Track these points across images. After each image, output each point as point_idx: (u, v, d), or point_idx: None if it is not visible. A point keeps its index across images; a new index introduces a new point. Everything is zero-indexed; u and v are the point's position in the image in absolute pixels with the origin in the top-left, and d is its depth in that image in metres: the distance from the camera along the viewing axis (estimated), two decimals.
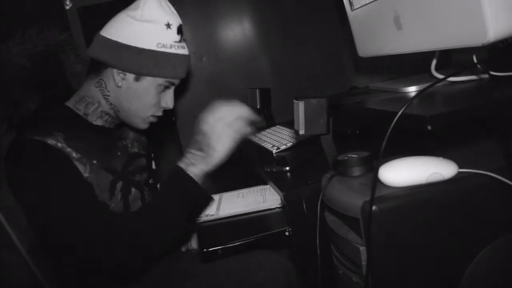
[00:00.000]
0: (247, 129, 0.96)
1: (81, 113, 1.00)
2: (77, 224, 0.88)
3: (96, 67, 1.01)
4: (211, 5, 1.78)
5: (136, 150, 1.14)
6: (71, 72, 1.70)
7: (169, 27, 0.97)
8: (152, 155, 1.24)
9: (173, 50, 0.98)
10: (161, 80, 1.00)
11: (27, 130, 0.92)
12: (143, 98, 1.01)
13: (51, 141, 0.90)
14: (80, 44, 1.68)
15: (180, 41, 1.00)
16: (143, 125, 1.06)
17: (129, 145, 1.12)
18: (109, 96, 1.00)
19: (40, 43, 1.65)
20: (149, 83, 0.99)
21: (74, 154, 0.93)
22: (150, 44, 0.96)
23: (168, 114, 1.10)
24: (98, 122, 1.02)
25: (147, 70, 0.98)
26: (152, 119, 1.06)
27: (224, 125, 0.94)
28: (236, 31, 1.81)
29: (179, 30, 1.00)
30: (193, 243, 1.27)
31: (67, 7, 1.68)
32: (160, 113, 1.06)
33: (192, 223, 1.01)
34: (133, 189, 1.05)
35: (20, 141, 0.92)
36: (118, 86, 0.99)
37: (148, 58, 0.96)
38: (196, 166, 0.94)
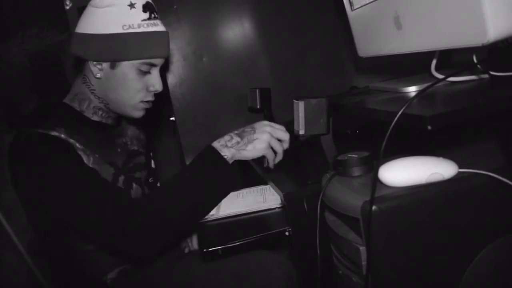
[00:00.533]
0: (277, 152, 0.98)
1: (78, 109, 1.01)
2: (102, 203, 0.87)
3: (78, 64, 1.01)
4: (211, 5, 1.78)
5: (135, 147, 1.14)
6: (71, 72, 1.70)
7: (133, 7, 0.94)
8: (151, 153, 1.23)
9: (142, 29, 0.95)
10: (137, 63, 0.97)
11: (28, 125, 0.92)
12: (125, 85, 0.98)
13: (54, 133, 0.91)
14: None
15: (150, 19, 0.96)
16: (137, 113, 1.03)
17: (129, 142, 1.12)
18: (94, 90, 1.00)
19: (40, 43, 1.65)
20: (126, 68, 0.97)
21: (77, 145, 0.93)
22: (115, 28, 0.93)
23: (167, 113, 1.09)
24: (95, 118, 1.02)
25: (117, 55, 0.95)
26: (144, 105, 1.03)
27: (271, 135, 0.96)
28: (236, 31, 1.81)
29: (146, 8, 0.96)
30: (195, 244, 1.27)
31: (67, 7, 1.68)
32: (150, 98, 1.02)
33: (213, 204, 0.99)
34: (134, 185, 1.05)
35: (22, 136, 0.92)
36: (97, 78, 0.98)
37: (116, 42, 0.94)
38: (229, 149, 0.94)
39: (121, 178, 1.02)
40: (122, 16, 0.94)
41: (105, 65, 0.97)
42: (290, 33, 1.82)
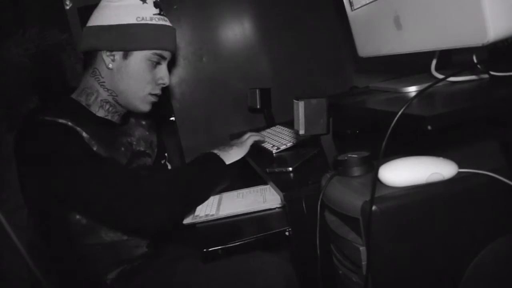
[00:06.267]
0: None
1: (83, 104, 1.01)
2: (118, 184, 0.92)
3: (88, 58, 1.03)
4: (211, 5, 1.78)
5: (141, 148, 1.14)
6: (71, 72, 1.70)
7: (145, 2, 1.01)
8: (166, 154, 1.25)
9: (154, 22, 1.01)
10: (149, 54, 1.02)
11: (35, 114, 0.94)
12: (136, 76, 1.02)
13: (61, 121, 0.93)
14: None
15: (160, 14, 1.03)
16: (144, 107, 1.07)
17: (134, 143, 1.12)
18: (104, 82, 1.02)
19: (40, 43, 1.65)
20: (138, 58, 1.01)
21: (84, 134, 0.95)
22: (129, 19, 0.99)
23: (167, 113, 1.10)
24: (101, 113, 1.03)
25: (131, 44, 1.00)
26: (152, 99, 1.07)
27: (247, 144, 1.21)
28: (236, 31, 1.81)
29: (156, 5, 1.03)
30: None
31: (67, 7, 1.68)
32: (158, 91, 1.08)
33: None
34: None
35: (30, 123, 0.93)
36: (109, 69, 1.01)
37: (130, 32, 0.99)
38: (221, 154, 1.12)
39: None
40: (136, 9, 1.00)
41: (118, 55, 1.01)
42: (290, 33, 1.82)
